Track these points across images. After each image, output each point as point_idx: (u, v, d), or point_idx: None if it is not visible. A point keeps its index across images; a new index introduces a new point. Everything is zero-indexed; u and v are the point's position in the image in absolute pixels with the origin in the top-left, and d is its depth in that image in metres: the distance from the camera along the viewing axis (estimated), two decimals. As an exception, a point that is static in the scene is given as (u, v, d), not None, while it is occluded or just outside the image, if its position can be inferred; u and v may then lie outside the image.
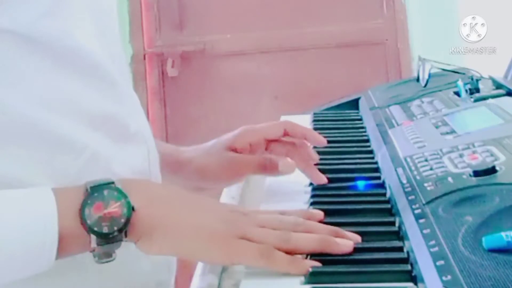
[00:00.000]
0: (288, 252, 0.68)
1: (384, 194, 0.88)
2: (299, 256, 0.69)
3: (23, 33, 0.67)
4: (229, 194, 1.02)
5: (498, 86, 1.18)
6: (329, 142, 1.14)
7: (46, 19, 0.69)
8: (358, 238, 0.72)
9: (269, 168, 0.93)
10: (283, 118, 1.41)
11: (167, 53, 2.75)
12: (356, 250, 0.71)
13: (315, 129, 1.24)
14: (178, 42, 2.75)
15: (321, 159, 0.98)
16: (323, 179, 0.92)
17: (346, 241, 0.71)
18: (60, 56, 0.70)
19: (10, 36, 0.67)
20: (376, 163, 1.02)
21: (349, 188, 0.90)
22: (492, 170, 0.77)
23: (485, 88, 1.18)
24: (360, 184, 0.89)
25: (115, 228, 0.65)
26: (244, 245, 0.67)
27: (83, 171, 0.70)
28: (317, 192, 0.91)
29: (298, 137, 0.94)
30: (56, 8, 0.70)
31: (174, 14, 2.76)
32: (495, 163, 0.79)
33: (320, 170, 0.94)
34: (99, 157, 0.72)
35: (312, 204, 0.87)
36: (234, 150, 0.94)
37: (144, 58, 2.76)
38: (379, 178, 0.95)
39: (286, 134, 0.94)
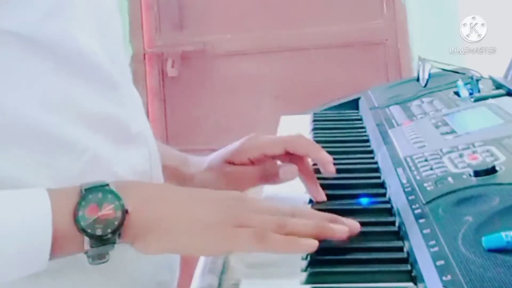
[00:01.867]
0: None
1: (384, 194, 0.88)
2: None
3: (25, 34, 0.67)
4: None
5: (498, 86, 1.18)
6: (329, 142, 1.14)
7: (48, 21, 0.69)
8: (357, 225, 0.73)
9: (270, 178, 0.91)
10: (283, 118, 1.41)
11: (167, 53, 2.75)
12: (356, 250, 0.71)
13: (315, 129, 1.25)
14: (178, 42, 2.75)
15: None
16: (322, 196, 0.88)
17: (341, 227, 0.71)
18: (61, 57, 0.70)
19: (11, 37, 0.67)
20: (376, 163, 1.02)
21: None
22: (492, 170, 0.77)
23: (485, 88, 1.18)
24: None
25: (109, 231, 0.65)
26: (238, 232, 0.67)
27: (85, 172, 0.70)
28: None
29: (299, 156, 0.91)
30: (57, 9, 0.70)
31: (174, 14, 2.76)
32: (495, 163, 0.79)
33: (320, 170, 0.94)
34: (100, 159, 0.72)
35: (312, 204, 0.87)
36: (233, 164, 0.93)
37: (144, 58, 2.76)
38: (379, 178, 0.95)
39: (287, 152, 0.91)
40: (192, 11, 2.76)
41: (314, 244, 0.68)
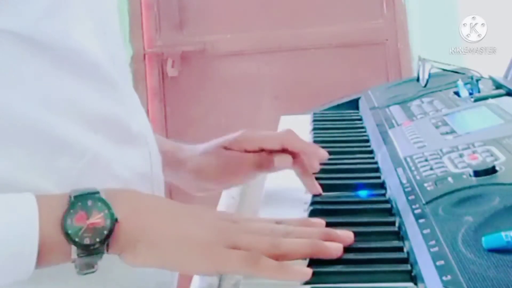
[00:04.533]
0: (278, 259, 0.67)
1: (384, 194, 0.88)
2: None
3: (23, 33, 0.67)
4: (229, 194, 1.02)
5: (498, 86, 1.18)
6: (329, 142, 1.14)
7: (46, 20, 0.68)
8: (350, 235, 0.72)
9: (265, 166, 0.91)
10: (283, 118, 1.41)
11: (167, 53, 2.75)
12: (356, 250, 0.71)
13: (315, 129, 1.25)
14: (178, 42, 2.76)
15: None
16: (318, 189, 0.90)
17: (336, 244, 0.70)
18: (60, 57, 0.70)
19: (10, 37, 0.67)
20: (376, 163, 1.02)
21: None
22: (492, 170, 0.77)
23: (485, 88, 1.18)
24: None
25: (97, 240, 0.63)
26: (229, 253, 0.66)
27: (85, 173, 0.70)
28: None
29: (295, 152, 0.92)
30: (56, 9, 0.69)
31: (174, 14, 2.76)
32: (495, 163, 0.79)
33: (320, 170, 0.94)
34: (100, 159, 0.72)
35: (312, 203, 0.87)
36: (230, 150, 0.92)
37: (144, 58, 2.76)
38: (379, 178, 0.95)
39: (284, 148, 0.91)
40: (192, 11, 2.76)
41: (307, 273, 0.66)
